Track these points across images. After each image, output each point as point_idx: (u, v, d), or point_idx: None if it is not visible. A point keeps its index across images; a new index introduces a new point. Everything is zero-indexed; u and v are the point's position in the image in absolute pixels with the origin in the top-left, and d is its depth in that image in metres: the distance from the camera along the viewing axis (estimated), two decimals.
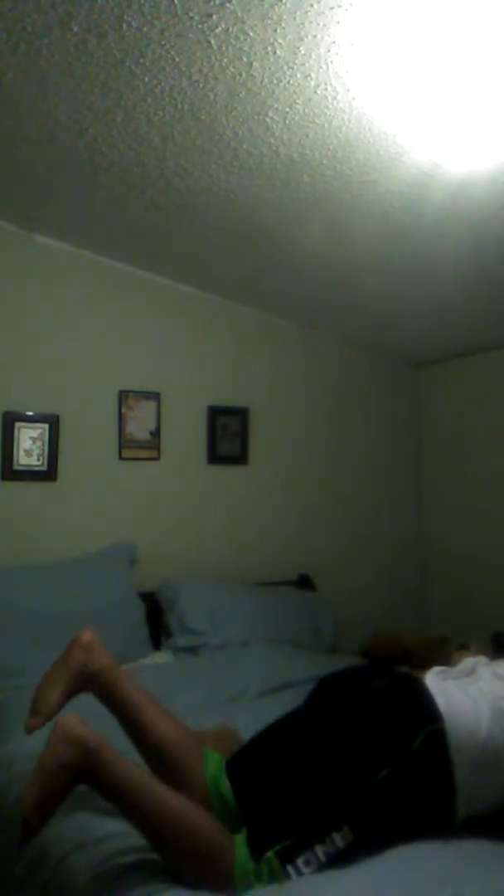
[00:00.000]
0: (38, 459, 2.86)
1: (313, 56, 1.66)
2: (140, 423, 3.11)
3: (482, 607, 3.48)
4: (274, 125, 1.95)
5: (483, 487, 3.65)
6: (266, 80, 1.77)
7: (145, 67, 1.76)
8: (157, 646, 2.87)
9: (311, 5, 1.51)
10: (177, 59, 1.72)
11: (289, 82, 1.77)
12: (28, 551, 2.78)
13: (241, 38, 1.63)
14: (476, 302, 3.08)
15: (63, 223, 2.83)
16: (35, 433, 2.86)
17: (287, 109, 1.88)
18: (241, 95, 1.84)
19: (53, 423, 2.89)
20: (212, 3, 1.54)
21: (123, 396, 3.08)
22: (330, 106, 1.84)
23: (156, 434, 3.15)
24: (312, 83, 1.76)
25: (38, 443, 2.86)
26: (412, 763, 1.39)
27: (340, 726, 1.47)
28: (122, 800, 1.37)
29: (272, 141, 2.03)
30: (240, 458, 3.39)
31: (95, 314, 3.05)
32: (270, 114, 1.90)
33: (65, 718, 1.41)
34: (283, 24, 1.57)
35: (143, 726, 1.54)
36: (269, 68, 1.72)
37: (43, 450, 2.87)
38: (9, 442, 2.80)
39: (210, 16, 1.57)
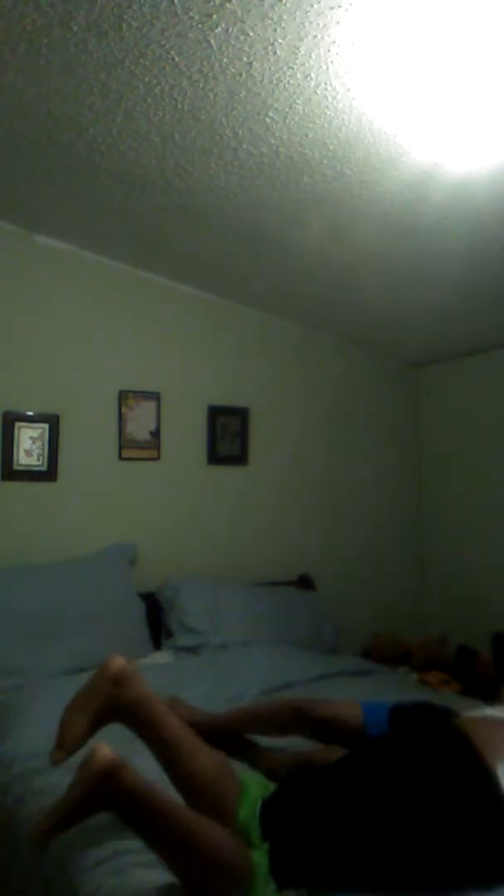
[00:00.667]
0: (38, 459, 2.86)
1: (313, 56, 1.66)
2: (140, 423, 3.11)
3: (482, 607, 3.48)
4: (274, 125, 1.95)
5: (483, 487, 3.65)
6: (266, 80, 1.77)
7: (145, 67, 1.76)
8: (157, 646, 2.87)
9: (311, 5, 1.51)
10: (177, 59, 1.72)
11: (289, 82, 1.77)
12: (28, 551, 2.78)
13: (241, 38, 1.63)
14: (476, 302, 3.08)
15: (63, 223, 2.83)
16: (35, 433, 2.86)
17: (287, 109, 1.88)
18: (241, 95, 1.84)
19: (53, 423, 2.89)
20: (212, 3, 1.54)
21: (123, 396, 3.08)
22: (330, 106, 1.84)
23: (156, 434, 3.16)
24: (312, 83, 1.76)
25: (38, 443, 2.86)
26: None
27: (413, 816, 1.33)
28: (145, 823, 1.33)
29: (272, 141, 2.03)
30: (240, 459, 3.39)
31: (95, 314, 3.05)
32: (270, 114, 1.90)
33: (96, 749, 1.37)
34: (283, 24, 1.57)
35: (178, 762, 1.48)
36: (269, 68, 1.72)
37: (43, 450, 2.87)
38: (9, 442, 2.80)
39: (210, 16, 1.57)
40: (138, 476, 3.11)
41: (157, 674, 2.48)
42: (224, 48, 1.67)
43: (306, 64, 1.69)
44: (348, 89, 1.77)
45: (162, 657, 2.77)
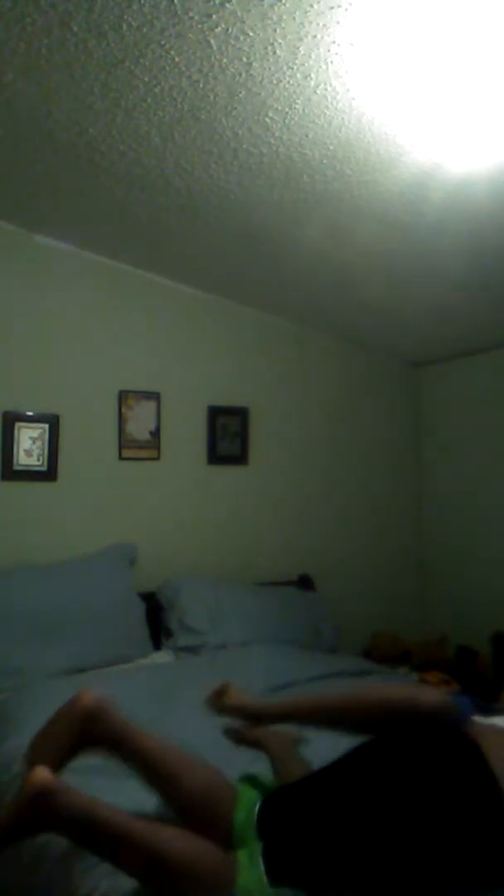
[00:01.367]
0: (38, 459, 2.86)
1: (313, 56, 1.66)
2: (140, 423, 3.11)
3: (482, 607, 3.48)
4: (274, 125, 1.95)
5: (483, 487, 3.65)
6: (266, 80, 1.77)
7: (145, 67, 1.76)
8: (157, 646, 2.87)
9: (311, 5, 1.51)
10: (177, 59, 1.72)
11: (289, 82, 1.77)
12: (28, 551, 2.78)
13: (241, 38, 1.63)
14: (476, 302, 3.07)
15: (63, 223, 2.83)
16: (35, 433, 2.86)
17: (287, 109, 1.88)
18: (241, 95, 1.84)
19: (53, 423, 2.89)
20: (212, 3, 1.54)
21: (123, 396, 3.08)
22: (330, 106, 1.84)
23: (156, 434, 3.16)
24: (312, 83, 1.76)
25: (38, 443, 2.86)
26: None
27: (413, 824, 1.29)
28: (92, 843, 1.31)
29: (272, 141, 2.03)
30: (240, 458, 3.39)
31: (95, 314, 3.05)
32: (270, 114, 1.90)
33: (32, 772, 1.35)
34: (283, 24, 1.57)
35: (164, 785, 1.46)
36: (269, 68, 1.72)
37: (43, 450, 2.87)
38: (9, 442, 2.81)
39: (210, 16, 1.57)
40: (138, 476, 3.11)
41: (158, 674, 2.49)
42: (224, 48, 1.67)
43: (306, 64, 1.69)
44: (348, 89, 1.77)
45: (162, 657, 2.77)
